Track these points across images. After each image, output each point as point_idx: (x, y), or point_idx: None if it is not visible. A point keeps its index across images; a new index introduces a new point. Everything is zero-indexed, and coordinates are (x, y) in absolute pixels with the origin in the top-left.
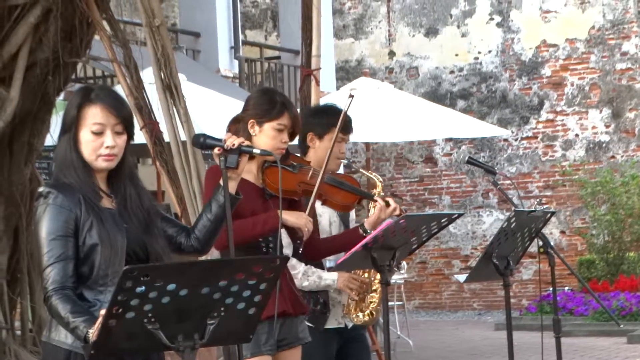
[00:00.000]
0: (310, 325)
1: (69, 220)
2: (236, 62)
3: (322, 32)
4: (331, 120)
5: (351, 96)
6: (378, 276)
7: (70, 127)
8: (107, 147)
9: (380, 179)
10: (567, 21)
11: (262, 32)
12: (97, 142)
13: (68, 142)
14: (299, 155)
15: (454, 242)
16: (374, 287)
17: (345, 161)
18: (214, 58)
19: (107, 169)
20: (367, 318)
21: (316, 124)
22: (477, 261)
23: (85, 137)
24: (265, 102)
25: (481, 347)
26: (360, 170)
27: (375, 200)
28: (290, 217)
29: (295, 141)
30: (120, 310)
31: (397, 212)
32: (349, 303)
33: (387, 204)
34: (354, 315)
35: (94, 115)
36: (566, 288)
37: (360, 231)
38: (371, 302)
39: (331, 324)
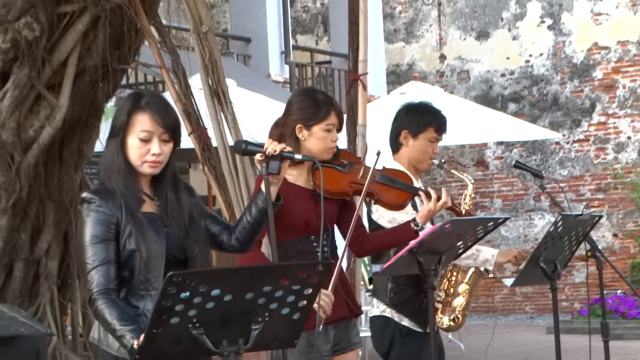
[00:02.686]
0: (417, 329)
1: (110, 225)
2: (287, 67)
3: (373, 36)
4: (428, 119)
5: (378, 154)
6: (466, 279)
7: (119, 132)
8: (154, 154)
9: (472, 180)
10: (618, 23)
11: (313, 36)
12: (144, 148)
13: (115, 146)
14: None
15: (506, 245)
16: (460, 289)
17: (436, 161)
18: (264, 63)
19: (152, 174)
20: (452, 323)
21: (412, 122)
22: (524, 265)
23: (133, 143)
24: (310, 105)
25: (533, 351)
26: (452, 171)
27: (428, 194)
28: None
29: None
30: (165, 315)
31: (449, 204)
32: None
33: (438, 198)
34: (439, 319)
35: (143, 123)
36: (618, 291)
37: (412, 225)
38: (457, 307)
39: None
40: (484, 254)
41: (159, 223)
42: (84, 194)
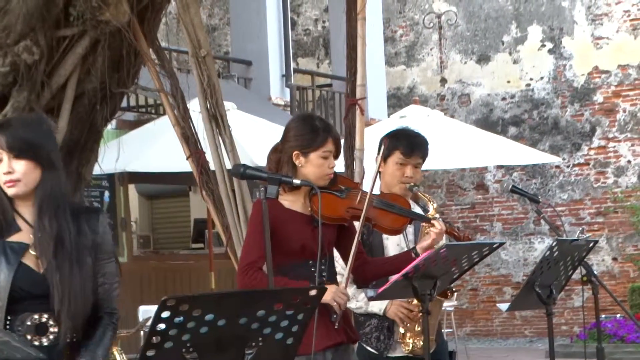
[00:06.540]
0: (373, 351)
1: None
2: (287, 90)
3: (374, 60)
4: (394, 142)
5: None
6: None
7: None
8: (4, 173)
9: (434, 205)
10: (619, 47)
11: (314, 59)
12: None
13: None
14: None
15: (506, 269)
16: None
17: (408, 185)
18: (265, 86)
19: (15, 195)
20: (416, 349)
21: (383, 146)
22: (520, 290)
23: None
24: (307, 132)
25: None
26: (419, 193)
27: (431, 224)
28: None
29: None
30: (159, 339)
31: (444, 229)
32: (400, 332)
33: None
34: (405, 345)
35: None
36: (618, 315)
37: (413, 255)
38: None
39: (397, 352)
40: (372, 307)
41: (16, 254)
42: None
